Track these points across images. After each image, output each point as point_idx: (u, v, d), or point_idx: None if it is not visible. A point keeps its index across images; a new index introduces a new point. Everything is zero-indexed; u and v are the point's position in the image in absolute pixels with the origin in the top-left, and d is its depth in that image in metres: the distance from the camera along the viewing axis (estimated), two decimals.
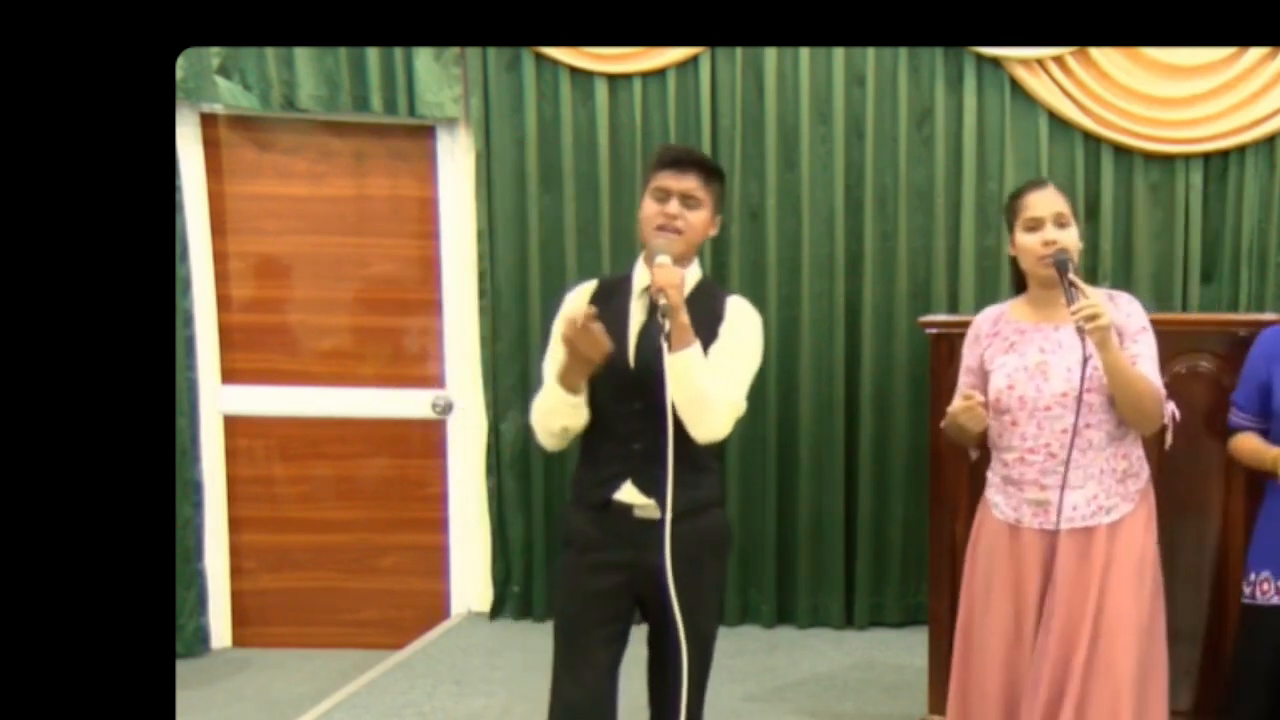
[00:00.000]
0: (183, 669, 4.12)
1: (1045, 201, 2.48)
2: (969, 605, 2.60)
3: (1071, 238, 2.47)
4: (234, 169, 4.47)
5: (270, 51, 4.24)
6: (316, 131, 4.47)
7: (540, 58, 4.39)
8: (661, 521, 2.23)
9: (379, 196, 4.54)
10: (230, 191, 4.47)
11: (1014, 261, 2.60)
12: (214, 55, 4.22)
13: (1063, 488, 2.42)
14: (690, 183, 2.31)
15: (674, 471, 2.22)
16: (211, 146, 4.43)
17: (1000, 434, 2.52)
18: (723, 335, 2.32)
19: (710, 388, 2.23)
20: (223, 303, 4.49)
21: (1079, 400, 2.38)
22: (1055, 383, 2.43)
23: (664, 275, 2.20)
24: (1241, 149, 4.37)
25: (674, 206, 2.30)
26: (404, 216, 4.57)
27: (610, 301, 2.36)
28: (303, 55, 4.26)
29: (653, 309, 2.26)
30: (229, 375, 4.52)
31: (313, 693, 3.95)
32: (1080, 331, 2.30)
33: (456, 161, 4.52)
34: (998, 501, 2.54)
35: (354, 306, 4.58)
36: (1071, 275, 2.38)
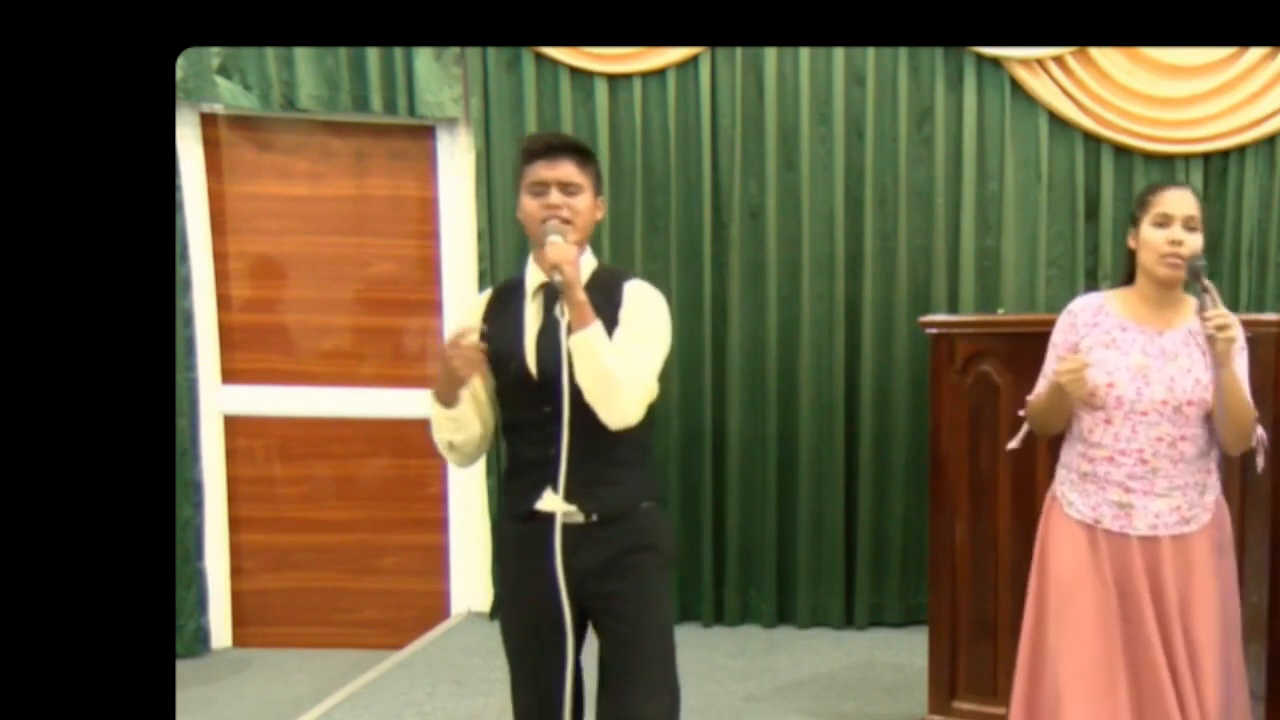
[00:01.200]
0: (183, 669, 4.12)
1: (1180, 201, 2.44)
2: (1041, 608, 2.53)
3: (1197, 243, 2.43)
4: (234, 169, 4.47)
5: (270, 51, 4.24)
6: (316, 131, 4.47)
7: (540, 58, 4.39)
8: (570, 519, 2.18)
9: (379, 196, 4.55)
10: (230, 191, 4.47)
11: (1129, 255, 2.56)
12: (214, 55, 4.22)
13: (1148, 494, 2.40)
14: (565, 169, 2.19)
15: (594, 471, 2.16)
16: (211, 146, 4.43)
17: (1091, 429, 2.46)
18: (623, 321, 2.21)
19: (616, 368, 2.12)
20: (223, 303, 4.49)
21: (1212, 408, 2.36)
22: (1156, 389, 2.39)
23: (557, 252, 2.08)
24: (1241, 149, 4.38)
25: (555, 196, 2.18)
26: (404, 216, 4.57)
27: (506, 307, 2.27)
28: (303, 55, 4.26)
29: (548, 309, 2.17)
30: (229, 375, 4.52)
31: (313, 693, 3.95)
32: (1210, 340, 2.30)
33: (456, 161, 4.52)
34: (1073, 499, 2.49)
35: (354, 306, 4.58)
36: (1206, 281, 2.35)
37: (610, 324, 2.18)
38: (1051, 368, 2.54)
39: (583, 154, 2.24)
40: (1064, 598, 2.47)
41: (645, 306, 2.25)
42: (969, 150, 4.41)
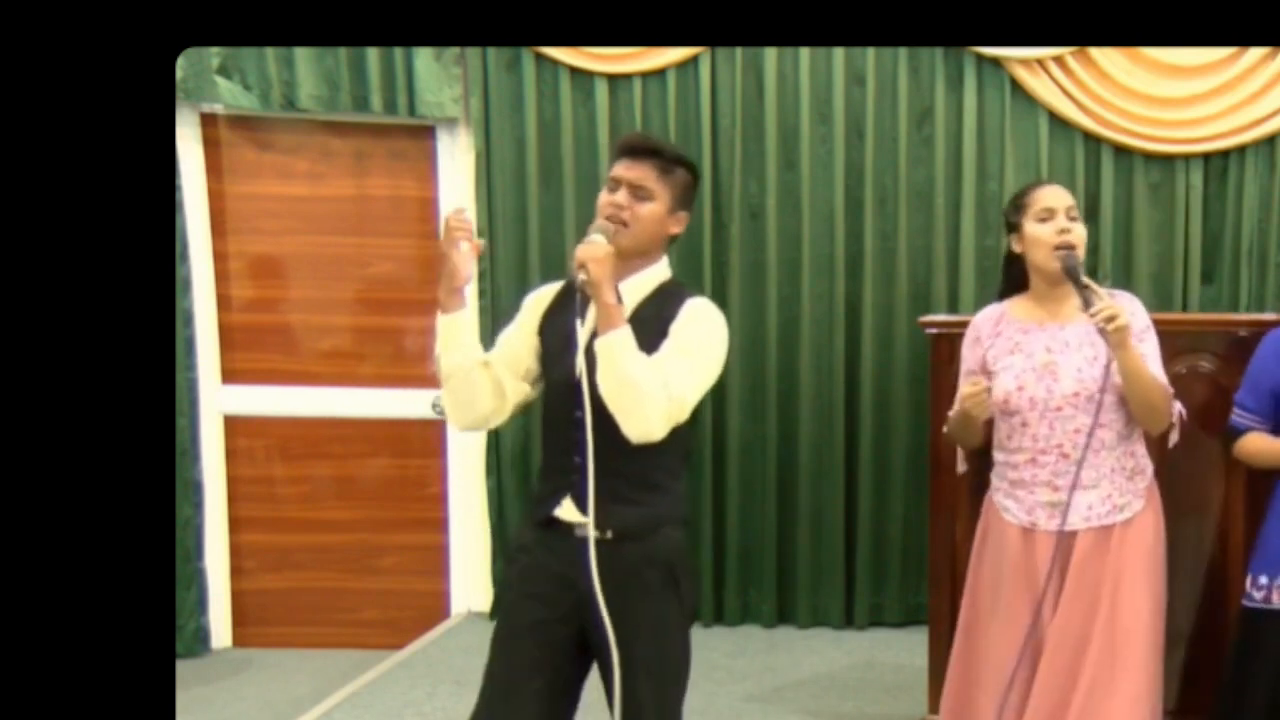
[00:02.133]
0: (183, 669, 4.11)
1: (1057, 195, 2.49)
2: (974, 608, 2.59)
3: (1082, 233, 2.47)
4: (234, 169, 4.47)
5: (270, 51, 4.24)
6: (316, 131, 4.47)
7: (540, 58, 4.39)
8: (586, 532, 2.06)
9: (379, 196, 4.54)
10: (230, 191, 4.47)
11: (1010, 261, 2.60)
12: (214, 55, 4.22)
13: (1073, 488, 2.40)
14: (641, 172, 2.14)
15: (617, 487, 2.06)
16: (211, 146, 4.43)
17: (1009, 435, 2.50)
18: (672, 334, 2.12)
19: (640, 376, 2.00)
20: (223, 303, 4.49)
21: (1099, 401, 2.37)
22: (1066, 383, 2.41)
23: (586, 250, 2.01)
24: (1241, 149, 4.37)
25: (622, 196, 2.13)
26: (404, 216, 4.57)
27: (568, 304, 2.18)
28: (303, 55, 4.26)
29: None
30: (229, 375, 4.52)
31: (313, 693, 3.95)
32: (1101, 333, 2.29)
33: (456, 161, 4.52)
34: (1008, 505, 2.52)
35: (354, 306, 4.58)
36: (1083, 277, 2.37)
37: (660, 337, 2.10)
38: (964, 382, 2.56)
39: (668, 162, 2.17)
40: (998, 599, 2.51)
41: (697, 323, 2.16)
42: (969, 150, 4.41)
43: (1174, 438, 2.57)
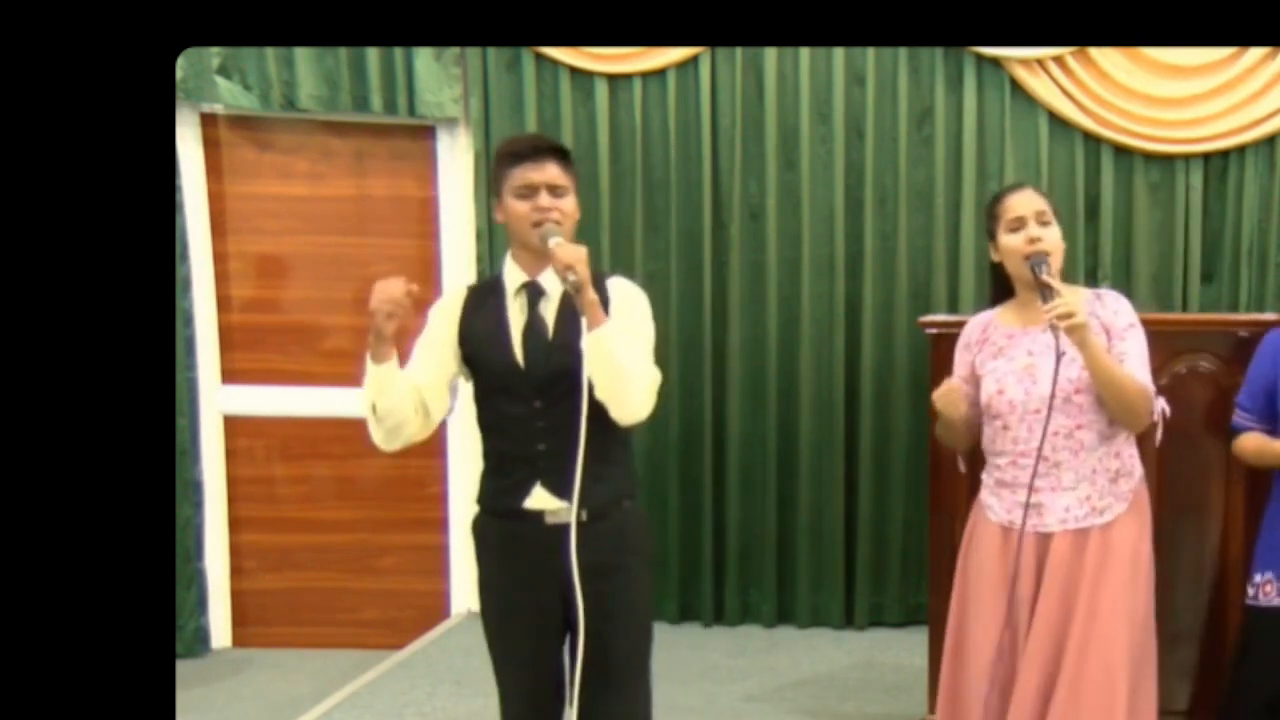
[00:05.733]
0: (183, 669, 4.11)
1: (1026, 201, 2.49)
2: (961, 607, 2.60)
3: (1054, 236, 2.47)
4: (234, 169, 4.47)
5: (270, 51, 4.24)
6: (316, 131, 4.47)
7: (540, 58, 4.39)
8: (562, 519, 2.18)
9: (379, 196, 4.54)
10: (230, 191, 4.47)
11: (995, 268, 2.61)
12: (214, 55, 4.22)
13: (1030, 489, 2.43)
14: (552, 171, 2.22)
15: (584, 467, 2.15)
16: (211, 146, 4.43)
17: (993, 439, 2.53)
18: (614, 317, 2.22)
19: (630, 363, 2.16)
20: (223, 303, 4.49)
21: (1049, 401, 2.39)
22: (1044, 385, 2.42)
23: (567, 252, 2.10)
24: (1241, 149, 4.36)
25: (545, 199, 2.21)
26: (404, 216, 4.57)
27: (484, 305, 2.31)
28: (303, 55, 4.26)
29: (532, 307, 2.24)
30: (229, 375, 4.52)
31: (313, 693, 3.95)
32: (1054, 330, 2.31)
33: (456, 161, 4.52)
34: (991, 504, 2.55)
35: (354, 306, 4.57)
36: (1045, 275, 2.39)
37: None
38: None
39: (565, 155, 2.28)
40: (979, 597, 2.53)
41: (633, 302, 2.30)
42: (969, 150, 4.41)
43: (1158, 436, 2.58)
